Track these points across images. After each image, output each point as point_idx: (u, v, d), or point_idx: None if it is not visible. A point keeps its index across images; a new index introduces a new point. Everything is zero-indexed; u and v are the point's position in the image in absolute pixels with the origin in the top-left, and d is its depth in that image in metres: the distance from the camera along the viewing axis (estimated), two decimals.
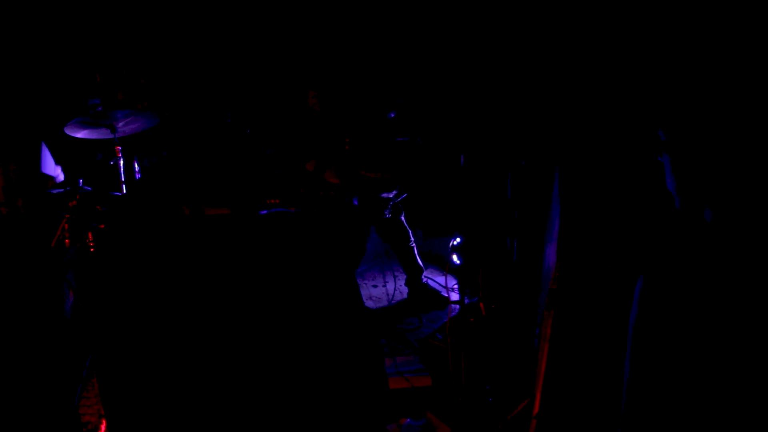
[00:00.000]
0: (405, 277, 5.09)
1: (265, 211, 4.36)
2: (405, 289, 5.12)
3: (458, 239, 5.29)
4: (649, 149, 2.51)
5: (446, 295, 4.97)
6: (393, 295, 4.98)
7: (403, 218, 4.95)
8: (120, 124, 4.42)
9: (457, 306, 4.40)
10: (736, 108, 1.85)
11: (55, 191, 4.42)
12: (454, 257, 5.21)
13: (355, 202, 4.60)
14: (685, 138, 1.83)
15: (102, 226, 4.46)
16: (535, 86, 5.58)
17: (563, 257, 2.99)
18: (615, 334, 2.71)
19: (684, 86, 2.05)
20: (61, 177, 4.57)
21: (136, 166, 4.54)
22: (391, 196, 4.72)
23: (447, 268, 4.09)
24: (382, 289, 5.26)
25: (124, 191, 4.40)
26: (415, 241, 5.03)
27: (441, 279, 5.20)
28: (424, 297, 5.02)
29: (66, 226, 4.55)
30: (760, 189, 1.75)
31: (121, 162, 4.39)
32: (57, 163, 4.53)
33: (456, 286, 5.01)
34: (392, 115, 4.50)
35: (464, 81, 5.75)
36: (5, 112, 5.08)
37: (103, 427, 3.26)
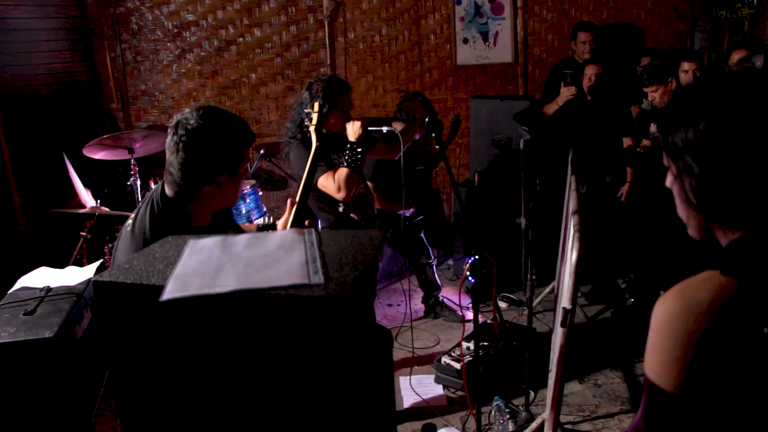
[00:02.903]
0: (421, 295, 5.10)
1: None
2: (421, 307, 5.12)
3: (473, 258, 5.28)
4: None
5: (461, 313, 4.96)
6: (408, 314, 4.97)
7: (422, 236, 4.97)
8: (137, 145, 4.48)
9: (472, 324, 4.39)
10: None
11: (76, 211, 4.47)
12: (469, 276, 5.20)
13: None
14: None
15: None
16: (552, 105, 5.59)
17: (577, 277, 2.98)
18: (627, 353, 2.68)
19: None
20: (89, 202, 4.59)
21: (153, 186, 4.58)
22: (408, 214, 4.74)
23: (461, 287, 4.08)
24: (397, 308, 5.26)
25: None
26: (433, 260, 5.04)
27: (455, 297, 5.19)
28: (439, 315, 5.02)
29: (84, 245, 4.61)
30: None
31: (138, 182, 4.44)
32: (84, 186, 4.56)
33: (471, 305, 5.00)
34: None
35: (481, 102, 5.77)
36: (23, 133, 5.17)
37: None
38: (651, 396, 1.14)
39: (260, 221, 2.84)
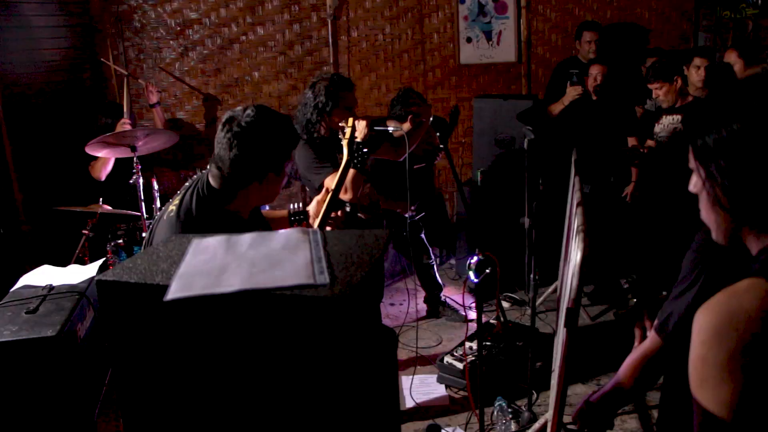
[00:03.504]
0: (423, 295, 5.08)
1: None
2: (423, 307, 5.11)
3: (476, 257, 5.27)
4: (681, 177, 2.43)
5: (464, 313, 4.95)
6: (410, 314, 4.96)
7: (423, 236, 4.95)
8: (140, 143, 4.47)
9: (475, 324, 4.38)
10: None
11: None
12: (472, 275, 5.19)
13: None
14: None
15: (122, 244, 4.50)
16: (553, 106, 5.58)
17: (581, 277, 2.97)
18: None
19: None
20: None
21: (155, 184, 4.57)
22: (409, 214, 4.72)
23: (464, 286, 4.07)
24: (400, 307, 5.25)
25: (143, 210, 4.43)
26: (433, 259, 5.03)
27: (458, 297, 5.18)
28: (442, 315, 5.01)
29: (86, 244, 4.61)
30: None
31: (140, 180, 4.43)
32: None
33: (473, 304, 4.98)
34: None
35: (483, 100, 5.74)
36: (26, 130, 5.16)
37: None
38: (705, 422, 1.09)
39: (292, 206, 2.87)
